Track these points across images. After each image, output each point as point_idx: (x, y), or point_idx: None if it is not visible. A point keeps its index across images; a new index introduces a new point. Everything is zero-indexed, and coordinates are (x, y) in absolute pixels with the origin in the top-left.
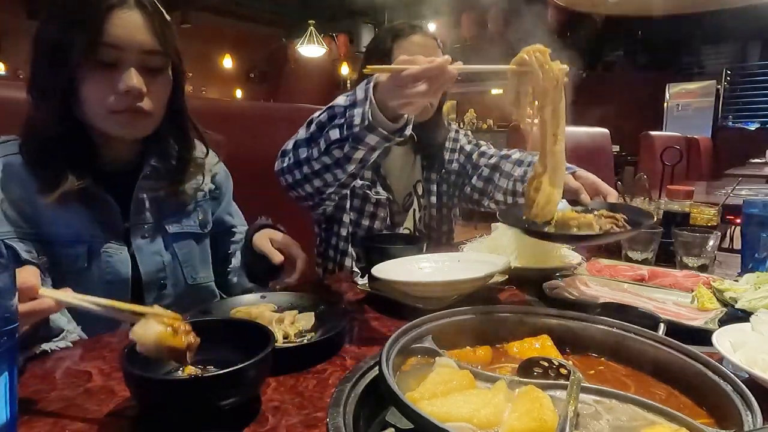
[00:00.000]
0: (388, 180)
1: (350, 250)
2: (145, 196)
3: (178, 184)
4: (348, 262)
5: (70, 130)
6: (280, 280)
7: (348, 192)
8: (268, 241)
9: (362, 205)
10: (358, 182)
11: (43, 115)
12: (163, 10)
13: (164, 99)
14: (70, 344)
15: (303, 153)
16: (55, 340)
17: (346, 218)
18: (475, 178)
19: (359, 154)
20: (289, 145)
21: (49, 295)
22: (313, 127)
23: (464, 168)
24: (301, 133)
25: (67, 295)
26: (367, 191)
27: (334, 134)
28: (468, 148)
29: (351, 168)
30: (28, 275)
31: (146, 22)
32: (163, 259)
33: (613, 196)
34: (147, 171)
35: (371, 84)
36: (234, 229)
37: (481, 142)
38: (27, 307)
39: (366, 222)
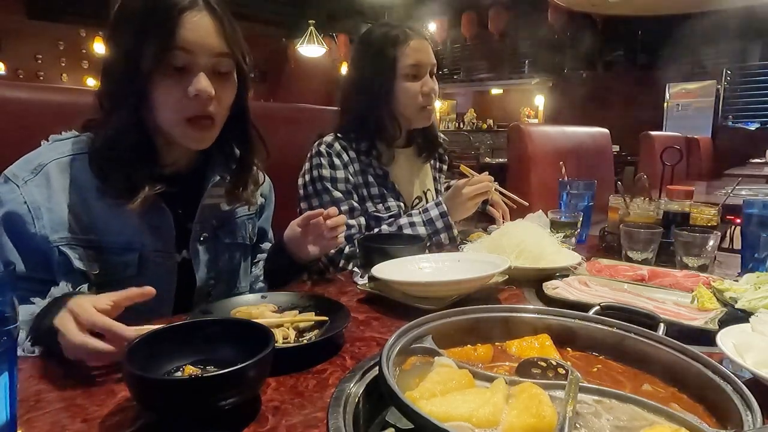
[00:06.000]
0: (398, 187)
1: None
2: (207, 203)
3: (239, 191)
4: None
5: (141, 136)
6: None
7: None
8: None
9: (376, 220)
10: (371, 207)
11: (116, 122)
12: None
13: (229, 103)
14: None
15: None
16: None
17: (353, 222)
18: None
19: None
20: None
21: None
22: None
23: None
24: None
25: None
26: (379, 209)
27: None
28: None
29: None
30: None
31: (216, 24)
32: (217, 268)
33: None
34: (215, 179)
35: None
36: (267, 240)
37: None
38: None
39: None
